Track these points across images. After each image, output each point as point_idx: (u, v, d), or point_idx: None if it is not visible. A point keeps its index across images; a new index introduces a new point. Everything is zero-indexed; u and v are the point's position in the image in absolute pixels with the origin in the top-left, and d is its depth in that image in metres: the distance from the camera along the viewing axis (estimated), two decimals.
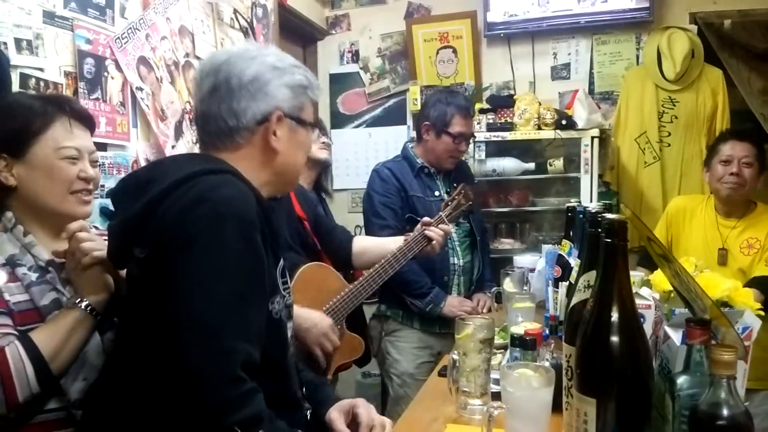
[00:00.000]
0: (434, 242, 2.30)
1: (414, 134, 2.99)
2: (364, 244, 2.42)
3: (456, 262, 2.80)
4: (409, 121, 4.19)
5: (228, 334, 1.07)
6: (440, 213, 2.42)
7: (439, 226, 2.33)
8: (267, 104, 1.27)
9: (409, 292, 2.69)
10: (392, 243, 2.35)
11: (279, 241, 1.30)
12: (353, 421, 1.39)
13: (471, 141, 2.92)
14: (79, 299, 1.31)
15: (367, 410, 1.40)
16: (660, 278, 1.32)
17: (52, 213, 1.37)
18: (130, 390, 1.18)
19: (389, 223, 2.69)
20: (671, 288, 1.24)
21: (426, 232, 2.29)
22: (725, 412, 0.90)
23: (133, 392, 1.17)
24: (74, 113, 1.40)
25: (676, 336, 1.11)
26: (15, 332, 1.24)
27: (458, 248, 2.82)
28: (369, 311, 2.96)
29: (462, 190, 2.49)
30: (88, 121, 1.45)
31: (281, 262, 1.29)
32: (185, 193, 1.13)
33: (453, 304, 2.69)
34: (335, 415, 1.39)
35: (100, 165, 2.11)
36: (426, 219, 2.35)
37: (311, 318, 2.06)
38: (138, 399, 1.15)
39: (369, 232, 2.73)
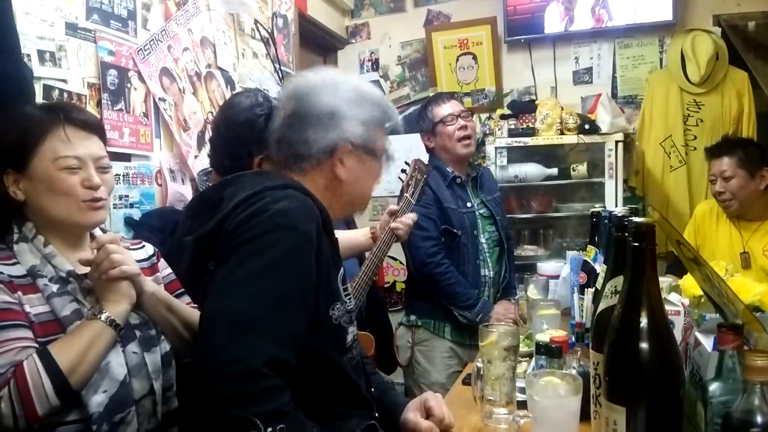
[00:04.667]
0: (401, 235, 2.32)
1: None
2: None
3: (486, 273, 2.79)
4: None
5: (256, 330, 1.11)
6: (404, 195, 2.41)
7: (402, 219, 2.31)
8: (337, 136, 1.34)
9: (456, 304, 2.68)
10: (358, 236, 2.35)
11: (338, 250, 1.35)
12: (427, 415, 1.44)
13: (471, 117, 2.88)
14: (98, 311, 1.30)
15: (438, 403, 1.45)
16: (690, 283, 1.29)
17: (63, 224, 1.35)
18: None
19: (432, 234, 2.67)
20: (702, 293, 1.21)
21: (397, 232, 2.29)
22: (759, 419, 0.87)
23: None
24: (71, 121, 1.35)
25: (707, 342, 1.08)
26: (35, 345, 1.23)
27: (489, 259, 2.80)
28: (394, 320, 2.95)
29: (415, 165, 2.49)
30: (91, 128, 1.40)
31: (342, 270, 1.34)
32: (248, 208, 1.21)
33: (500, 311, 2.69)
34: (411, 415, 1.44)
35: (124, 175, 2.17)
36: (392, 208, 2.33)
37: None
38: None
39: (410, 243, 2.68)
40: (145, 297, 1.40)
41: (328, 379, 1.26)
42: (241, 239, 1.17)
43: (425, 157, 2.99)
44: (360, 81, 1.43)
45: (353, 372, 1.34)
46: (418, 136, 2.98)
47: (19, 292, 1.26)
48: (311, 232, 1.20)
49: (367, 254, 2.34)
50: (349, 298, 1.34)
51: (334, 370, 1.28)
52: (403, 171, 2.50)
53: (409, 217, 2.33)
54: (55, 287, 1.30)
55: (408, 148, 4.13)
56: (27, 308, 1.25)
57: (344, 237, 2.37)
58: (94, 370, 1.26)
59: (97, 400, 1.26)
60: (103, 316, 1.29)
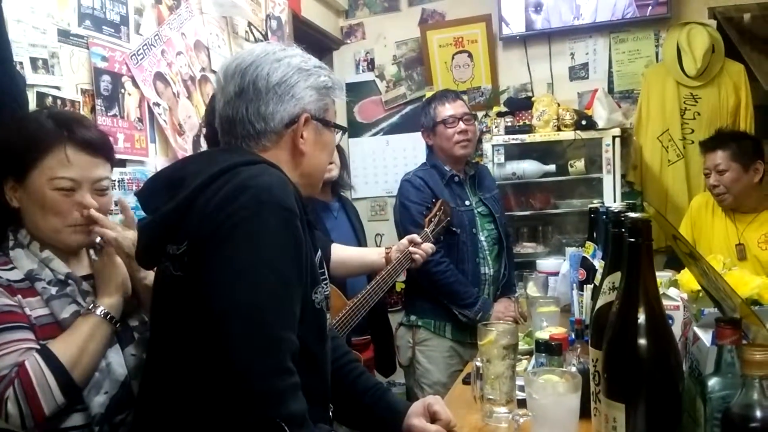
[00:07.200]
0: (417, 260, 2.34)
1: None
2: (342, 255, 2.33)
3: (486, 271, 2.80)
4: None
5: (276, 323, 1.06)
6: (425, 230, 2.46)
7: (423, 245, 2.34)
8: (294, 107, 1.27)
9: (456, 303, 2.69)
10: (371, 254, 2.38)
11: (315, 232, 1.29)
12: (432, 419, 1.40)
13: (473, 120, 2.88)
14: (93, 305, 1.32)
15: (443, 407, 1.41)
16: (687, 277, 1.29)
17: (52, 241, 1.36)
18: (172, 394, 1.16)
19: None
20: (699, 287, 1.21)
21: (414, 256, 2.32)
22: (758, 413, 0.87)
23: (176, 396, 1.15)
24: (74, 140, 1.34)
25: (705, 337, 1.08)
26: (38, 347, 1.24)
27: (488, 257, 2.81)
28: (394, 320, 2.95)
29: (441, 206, 2.55)
30: (95, 148, 1.38)
31: (319, 252, 1.28)
32: (224, 185, 1.12)
33: (500, 309, 2.69)
34: (416, 421, 1.39)
35: (119, 181, 2.16)
36: (413, 237, 2.35)
37: None
38: (181, 402, 1.13)
39: None
40: (139, 284, 1.43)
41: (306, 376, 1.15)
42: (229, 223, 1.08)
43: (422, 153, 3.00)
44: (300, 50, 1.35)
45: (328, 364, 1.31)
46: (414, 135, 2.98)
47: (19, 296, 1.28)
48: (295, 208, 1.13)
49: (378, 275, 2.32)
50: (326, 284, 1.29)
51: (313, 365, 1.22)
52: (428, 208, 2.58)
53: (429, 246, 2.37)
54: (53, 290, 1.32)
55: (404, 147, 4.18)
56: (27, 311, 1.27)
57: (358, 253, 2.43)
58: (96, 364, 1.29)
59: (99, 401, 1.28)
60: (98, 310, 1.32)
